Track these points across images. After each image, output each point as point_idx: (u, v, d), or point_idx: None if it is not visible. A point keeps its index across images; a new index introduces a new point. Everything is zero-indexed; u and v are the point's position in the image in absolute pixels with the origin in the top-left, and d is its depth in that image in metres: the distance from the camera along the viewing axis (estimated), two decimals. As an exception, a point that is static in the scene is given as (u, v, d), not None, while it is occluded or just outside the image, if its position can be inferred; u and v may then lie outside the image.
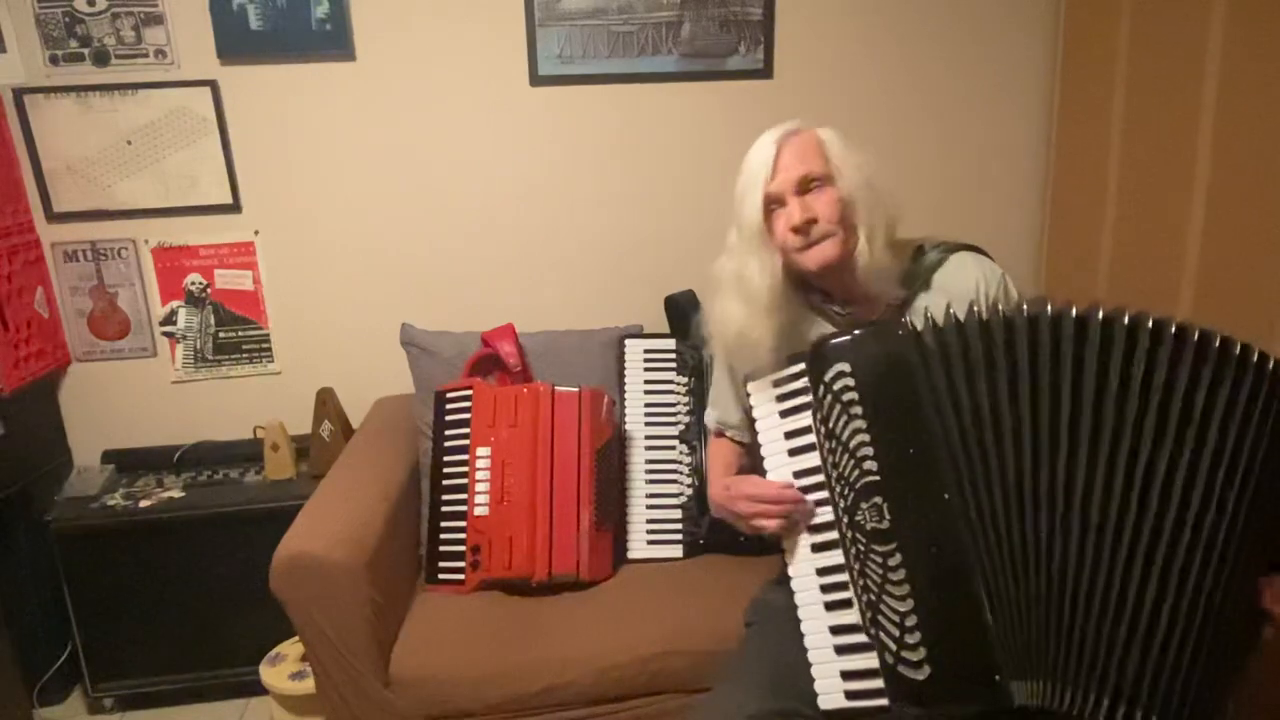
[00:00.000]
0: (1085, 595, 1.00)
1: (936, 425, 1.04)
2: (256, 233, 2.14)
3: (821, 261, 1.20)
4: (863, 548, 1.07)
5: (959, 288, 1.25)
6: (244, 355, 2.21)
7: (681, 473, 1.88)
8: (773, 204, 1.21)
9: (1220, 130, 1.59)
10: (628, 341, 1.98)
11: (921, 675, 1.03)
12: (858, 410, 1.07)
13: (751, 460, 1.38)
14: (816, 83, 2.17)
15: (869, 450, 1.06)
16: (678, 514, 1.86)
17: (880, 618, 1.06)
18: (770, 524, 1.17)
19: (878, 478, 1.06)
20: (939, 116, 2.22)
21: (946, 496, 1.03)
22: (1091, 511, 1.00)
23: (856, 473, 1.07)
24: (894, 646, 1.05)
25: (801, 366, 1.13)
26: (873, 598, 1.06)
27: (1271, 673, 1.17)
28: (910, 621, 1.03)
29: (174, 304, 2.16)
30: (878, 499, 1.06)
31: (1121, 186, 1.89)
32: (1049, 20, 2.16)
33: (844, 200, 1.19)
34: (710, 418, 1.46)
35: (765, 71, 2.15)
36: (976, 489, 1.03)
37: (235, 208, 2.12)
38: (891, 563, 1.04)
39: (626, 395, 1.94)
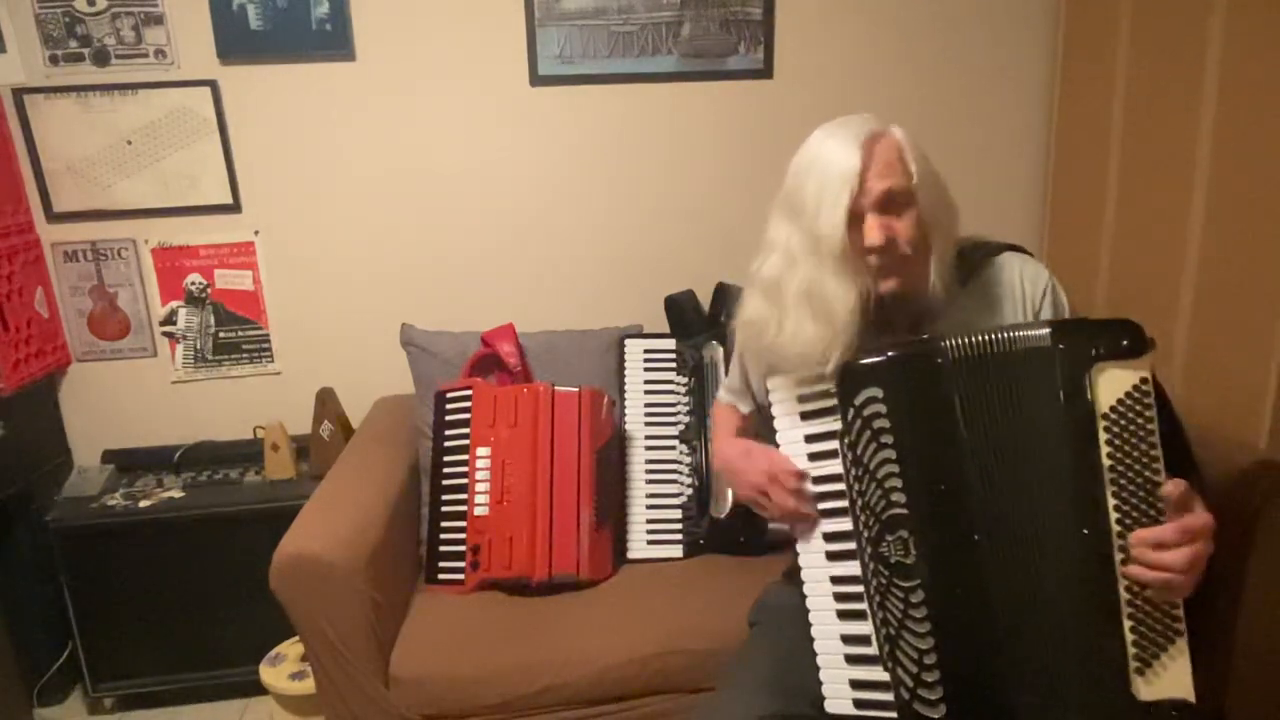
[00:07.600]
0: (1094, 637, 0.98)
1: (970, 461, 1.00)
2: (256, 233, 2.14)
3: (896, 289, 1.11)
4: (884, 580, 1.04)
5: (997, 290, 1.20)
6: (244, 355, 2.21)
7: (681, 473, 1.88)
8: (854, 217, 1.08)
9: (1220, 130, 1.59)
10: (628, 341, 1.98)
11: (937, 714, 1.02)
12: (888, 439, 1.03)
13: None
14: (816, 83, 2.16)
15: (897, 482, 1.03)
16: (678, 514, 1.86)
17: (899, 652, 1.04)
18: (771, 513, 1.16)
19: (905, 511, 1.02)
20: (939, 116, 2.21)
21: (976, 538, 1.00)
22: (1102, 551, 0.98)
23: (883, 504, 1.04)
24: (910, 682, 1.03)
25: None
26: (892, 631, 1.04)
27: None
28: (929, 660, 1.02)
29: (174, 304, 2.16)
30: (903, 533, 1.02)
31: (1121, 186, 1.89)
32: (1049, 20, 2.15)
33: (923, 221, 1.10)
34: (722, 396, 1.46)
35: (765, 71, 2.14)
36: (1003, 530, 1.00)
37: (235, 208, 2.12)
38: (914, 599, 1.02)
39: (626, 395, 1.94)
